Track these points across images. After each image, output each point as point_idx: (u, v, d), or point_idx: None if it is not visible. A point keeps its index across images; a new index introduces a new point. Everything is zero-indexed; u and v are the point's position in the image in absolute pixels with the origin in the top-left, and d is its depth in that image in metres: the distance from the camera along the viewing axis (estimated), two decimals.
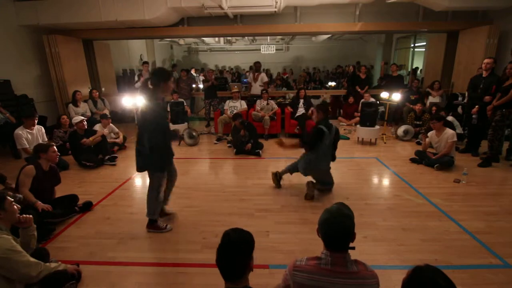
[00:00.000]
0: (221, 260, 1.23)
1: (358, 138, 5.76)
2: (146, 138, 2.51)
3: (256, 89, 6.94)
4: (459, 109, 5.95)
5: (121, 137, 5.45)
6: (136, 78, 7.53)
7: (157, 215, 2.79)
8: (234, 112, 6.09)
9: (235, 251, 1.23)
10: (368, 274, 1.28)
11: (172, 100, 6.47)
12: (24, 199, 2.63)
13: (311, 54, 16.58)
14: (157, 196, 2.71)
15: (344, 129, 6.80)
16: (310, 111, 3.60)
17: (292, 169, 3.67)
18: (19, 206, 2.00)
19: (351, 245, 1.32)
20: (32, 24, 6.14)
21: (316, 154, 3.37)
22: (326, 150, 3.40)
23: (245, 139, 5.18)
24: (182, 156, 5.08)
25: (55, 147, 3.07)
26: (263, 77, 7.01)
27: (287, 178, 3.81)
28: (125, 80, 9.46)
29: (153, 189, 2.69)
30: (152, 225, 2.79)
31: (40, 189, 2.92)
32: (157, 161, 2.61)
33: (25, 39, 6.32)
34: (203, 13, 6.17)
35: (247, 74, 8.01)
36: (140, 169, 2.68)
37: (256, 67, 7.05)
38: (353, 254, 1.33)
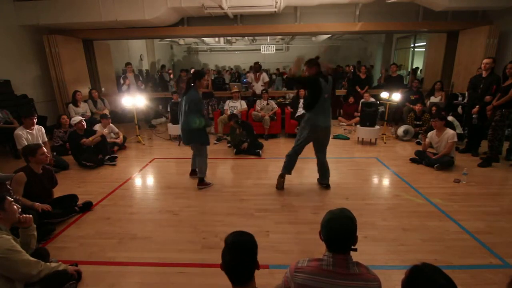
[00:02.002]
0: (232, 265, 1.21)
1: (358, 138, 5.76)
2: (198, 115, 3.46)
3: (259, 89, 6.98)
4: (459, 109, 5.95)
5: (121, 137, 5.45)
6: (121, 81, 7.40)
7: (205, 174, 3.77)
8: (233, 112, 6.09)
9: (247, 253, 1.23)
10: (370, 277, 1.28)
11: (173, 101, 6.48)
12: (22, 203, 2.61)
13: (311, 54, 16.53)
14: (206, 161, 3.73)
15: (344, 129, 6.81)
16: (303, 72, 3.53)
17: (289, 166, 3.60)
18: (19, 206, 2.00)
19: (353, 247, 1.33)
20: (32, 24, 6.15)
21: (315, 110, 3.27)
22: (325, 105, 3.28)
23: (243, 138, 5.18)
24: (182, 156, 5.08)
25: (44, 148, 2.95)
26: (264, 76, 7.09)
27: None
28: None
29: (203, 156, 3.70)
30: (202, 183, 3.74)
31: (36, 193, 2.87)
32: (204, 136, 3.59)
33: (25, 39, 6.32)
34: (203, 13, 6.17)
35: (248, 74, 8.04)
36: (189, 142, 3.69)
37: (256, 68, 7.08)
38: (354, 254, 1.33)
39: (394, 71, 7.16)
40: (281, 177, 3.65)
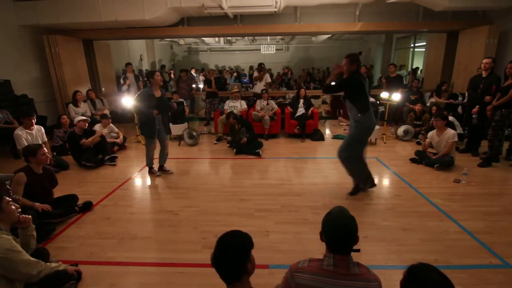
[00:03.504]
0: (214, 263, 1.24)
1: None
2: (137, 110, 3.92)
3: (260, 88, 7.00)
4: (459, 109, 5.95)
5: (121, 137, 5.44)
6: (122, 81, 7.46)
7: (150, 165, 4.19)
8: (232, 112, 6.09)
9: (224, 254, 1.23)
10: (370, 277, 1.28)
11: (173, 100, 6.48)
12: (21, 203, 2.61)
13: (311, 54, 16.57)
14: (147, 154, 4.08)
15: (344, 129, 6.80)
16: (332, 76, 3.28)
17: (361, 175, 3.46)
18: (17, 206, 2.00)
19: (355, 247, 1.32)
20: (32, 24, 6.14)
21: (369, 109, 3.16)
22: (370, 103, 3.23)
23: (242, 135, 5.20)
24: (182, 156, 5.08)
25: (44, 149, 2.95)
26: (267, 77, 7.17)
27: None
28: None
29: (145, 148, 4.10)
30: (149, 171, 4.23)
31: (36, 193, 2.87)
32: (143, 129, 4.08)
33: (25, 39, 6.31)
34: (203, 13, 6.16)
35: (253, 72, 8.12)
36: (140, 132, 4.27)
37: (259, 68, 7.22)
38: (354, 254, 1.33)
39: (393, 71, 7.15)
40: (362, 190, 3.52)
